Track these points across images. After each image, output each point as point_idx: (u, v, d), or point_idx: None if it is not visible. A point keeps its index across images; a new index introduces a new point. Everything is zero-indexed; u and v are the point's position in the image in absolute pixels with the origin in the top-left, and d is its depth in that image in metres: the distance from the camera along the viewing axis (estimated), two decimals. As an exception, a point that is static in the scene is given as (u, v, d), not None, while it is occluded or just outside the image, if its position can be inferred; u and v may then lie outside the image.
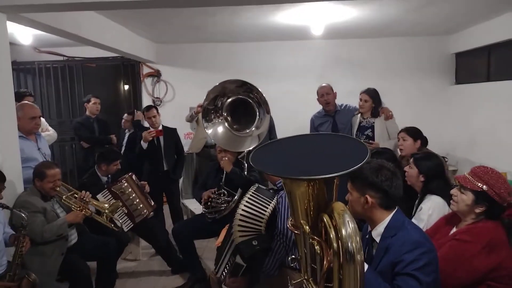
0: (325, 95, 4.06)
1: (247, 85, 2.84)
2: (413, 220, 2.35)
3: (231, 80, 2.86)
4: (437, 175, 2.41)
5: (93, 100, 5.01)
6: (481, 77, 5.36)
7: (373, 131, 3.86)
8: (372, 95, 3.89)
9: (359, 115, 4.02)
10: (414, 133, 3.21)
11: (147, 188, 3.90)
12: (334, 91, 4.11)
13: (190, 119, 5.03)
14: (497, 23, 4.77)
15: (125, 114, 5.40)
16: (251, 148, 2.89)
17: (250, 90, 2.86)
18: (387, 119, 3.85)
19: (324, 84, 4.15)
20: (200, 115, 5.13)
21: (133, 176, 3.78)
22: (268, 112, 2.88)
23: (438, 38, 5.97)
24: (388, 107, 3.94)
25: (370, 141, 3.78)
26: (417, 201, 2.46)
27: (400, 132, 3.32)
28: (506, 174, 3.52)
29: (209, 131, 2.91)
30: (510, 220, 1.85)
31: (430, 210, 2.30)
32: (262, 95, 2.83)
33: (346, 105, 4.20)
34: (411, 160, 2.52)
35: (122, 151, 4.75)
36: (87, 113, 5.05)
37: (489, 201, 1.81)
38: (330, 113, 4.14)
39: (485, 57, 5.27)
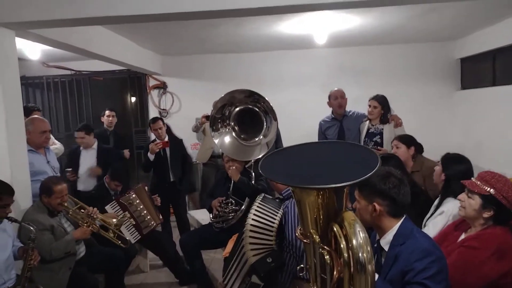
0: (339, 97, 4.09)
1: (255, 95, 2.86)
2: (430, 221, 2.33)
3: (239, 90, 2.89)
4: (462, 178, 2.39)
5: (107, 113, 5.06)
6: (487, 82, 5.34)
7: (381, 138, 3.84)
8: (381, 101, 3.88)
9: (367, 121, 4.01)
10: (407, 140, 3.22)
11: (158, 202, 3.93)
12: (346, 97, 4.14)
13: (196, 129, 5.07)
14: (502, 28, 4.77)
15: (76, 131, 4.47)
16: (259, 157, 2.92)
17: (257, 100, 2.88)
18: (396, 126, 3.84)
19: (337, 88, 4.20)
20: (207, 124, 5.20)
21: (145, 187, 3.82)
22: (275, 119, 2.90)
23: (442, 44, 5.97)
24: (397, 114, 3.93)
25: (378, 147, 3.77)
26: (437, 200, 2.44)
27: (393, 140, 3.32)
28: (515, 179, 3.48)
29: (216, 140, 2.93)
30: (519, 226, 1.84)
31: (451, 216, 2.27)
32: (269, 103, 2.84)
33: (355, 111, 4.21)
34: (441, 159, 2.54)
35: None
36: (105, 125, 5.10)
37: (497, 205, 1.80)
38: (338, 117, 4.15)
39: (490, 62, 5.26)
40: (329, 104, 4.20)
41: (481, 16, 4.49)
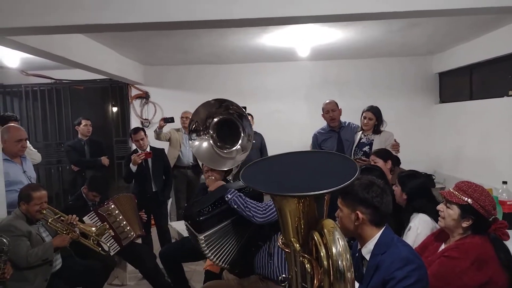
0: (331, 111, 4.10)
1: (223, 103, 2.87)
2: (403, 239, 2.35)
3: (209, 103, 2.88)
4: (420, 193, 2.43)
5: (83, 122, 4.98)
6: (464, 95, 5.49)
7: (371, 148, 3.85)
8: (376, 112, 3.92)
9: (360, 132, 4.03)
10: (383, 154, 3.26)
11: (144, 217, 3.90)
12: (339, 108, 4.16)
13: (157, 135, 5.14)
14: (478, 44, 4.93)
15: None
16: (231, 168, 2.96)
17: (228, 107, 2.90)
18: (394, 149, 3.74)
19: (328, 101, 4.19)
20: (174, 134, 5.23)
21: (135, 199, 3.86)
22: (250, 125, 2.92)
23: (422, 58, 6.13)
24: (397, 142, 3.88)
25: (363, 158, 3.79)
26: (405, 220, 2.47)
27: (370, 155, 3.36)
28: (492, 190, 3.56)
29: (195, 144, 2.94)
30: (496, 235, 1.87)
31: (418, 230, 2.30)
32: (238, 105, 2.85)
33: (350, 122, 4.24)
34: (397, 178, 2.55)
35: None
36: (79, 135, 5.01)
37: (475, 215, 1.83)
38: (335, 129, 4.16)
39: (468, 76, 5.41)
40: (323, 116, 4.21)
41: (458, 32, 4.64)
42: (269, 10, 2.67)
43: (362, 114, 4.00)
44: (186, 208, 2.66)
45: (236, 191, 2.47)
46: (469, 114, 5.21)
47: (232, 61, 6.03)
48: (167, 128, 5.40)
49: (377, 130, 3.92)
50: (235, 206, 2.40)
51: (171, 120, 5.16)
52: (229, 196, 2.43)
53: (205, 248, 2.39)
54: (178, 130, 5.39)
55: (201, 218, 2.37)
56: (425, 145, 6.12)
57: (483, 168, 4.80)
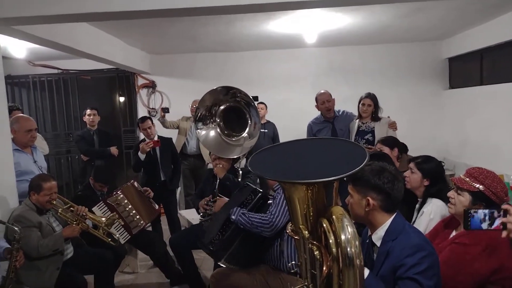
0: (326, 102, 4.08)
1: (230, 90, 2.86)
2: (415, 224, 2.34)
3: (216, 90, 2.88)
4: (439, 178, 2.41)
5: (88, 111, 5.00)
6: (475, 81, 5.41)
7: (373, 136, 3.85)
8: (374, 99, 3.92)
9: (357, 120, 4.02)
10: (389, 142, 3.22)
11: (151, 194, 3.90)
12: (333, 98, 4.14)
13: (162, 124, 5.25)
14: (489, 27, 4.83)
15: None
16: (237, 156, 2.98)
17: (235, 95, 2.88)
18: (391, 127, 3.87)
19: (323, 91, 4.16)
20: (182, 122, 5.25)
21: (135, 183, 3.78)
22: (257, 113, 2.91)
23: (430, 43, 6.03)
24: (392, 119, 3.96)
25: (369, 145, 3.78)
26: (418, 205, 2.45)
27: (376, 143, 3.33)
28: (503, 177, 3.53)
29: (202, 133, 2.94)
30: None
31: (432, 215, 2.28)
32: (246, 94, 2.84)
33: (344, 111, 4.23)
34: (411, 165, 2.51)
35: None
36: (87, 125, 5.04)
37: (486, 202, 1.81)
38: (329, 119, 4.15)
39: (478, 61, 5.32)
40: (317, 107, 4.20)
41: (468, 16, 4.55)
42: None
43: (359, 102, 3.99)
44: (199, 239, 2.74)
45: (239, 208, 2.51)
46: (480, 100, 5.14)
47: (239, 49, 5.99)
48: (178, 116, 5.47)
49: (375, 117, 3.92)
50: (242, 226, 2.46)
51: (167, 110, 5.30)
52: (233, 217, 2.48)
53: (229, 265, 2.55)
54: (188, 118, 5.40)
55: (214, 249, 2.49)
56: (434, 132, 6.06)
57: (493, 154, 4.75)
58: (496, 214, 1.44)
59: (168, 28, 4.52)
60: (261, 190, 2.68)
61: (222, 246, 2.50)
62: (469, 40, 5.31)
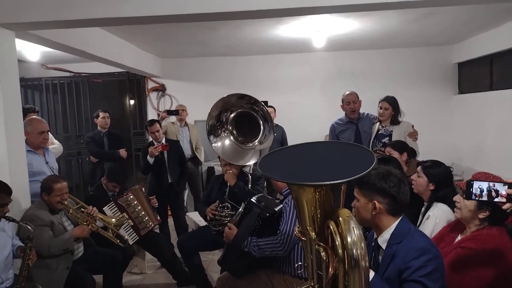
0: (352, 103, 4.03)
1: (246, 97, 2.88)
2: (420, 228, 2.34)
3: (230, 94, 2.90)
4: (446, 183, 2.41)
5: (101, 114, 5.07)
6: (484, 86, 5.38)
7: (390, 139, 3.79)
8: (392, 103, 3.86)
9: (378, 123, 3.99)
10: (399, 147, 3.22)
11: (155, 203, 3.93)
12: (360, 99, 4.09)
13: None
14: (499, 33, 4.81)
15: None
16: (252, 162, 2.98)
17: (253, 103, 2.90)
18: (411, 136, 3.77)
19: (349, 92, 4.11)
20: (169, 127, 5.30)
21: (142, 188, 3.82)
22: (273, 130, 2.92)
23: (440, 48, 6.01)
24: (415, 129, 3.88)
25: (382, 149, 3.75)
26: (423, 208, 2.46)
27: (386, 148, 3.33)
28: (512, 182, 3.49)
29: (218, 144, 2.95)
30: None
31: (437, 219, 2.29)
32: (264, 107, 2.86)
33: (368, 113, 4.18)
34: (419, 168, 2.52)
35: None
36: (98, 128, 5.12)
37: (492, 206, 1.81)
38: (354, 120, 4.09)
39: (488, 66, 5.30)
40: (342, 107, 4.14)
41: (478, 21, 4.54)
42: (286, 1, 2.66)
43: (378, 105, 3.96)
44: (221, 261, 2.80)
45: (250, 238, 2.49)
46: (489, 105, 5.11)
47: (249, 53, 6.04)
48: (189, 119, 5.51)
49: (395, 120, 3.86)
50: (257, 255, 2.46)
51: (175, 113, 5.29)
52: (246, 250, 2.47)
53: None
54: (173, 123, 5.46)
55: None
56: (444, 137, 6.03)
57: (503, 160, 4.71)
58: (498, 186, 1.50)
59: (178, 33, 4.59)
60: (266, 210, 2.56)
61: (244, 268, 2.56)
62: (478, 45, 5.29)
